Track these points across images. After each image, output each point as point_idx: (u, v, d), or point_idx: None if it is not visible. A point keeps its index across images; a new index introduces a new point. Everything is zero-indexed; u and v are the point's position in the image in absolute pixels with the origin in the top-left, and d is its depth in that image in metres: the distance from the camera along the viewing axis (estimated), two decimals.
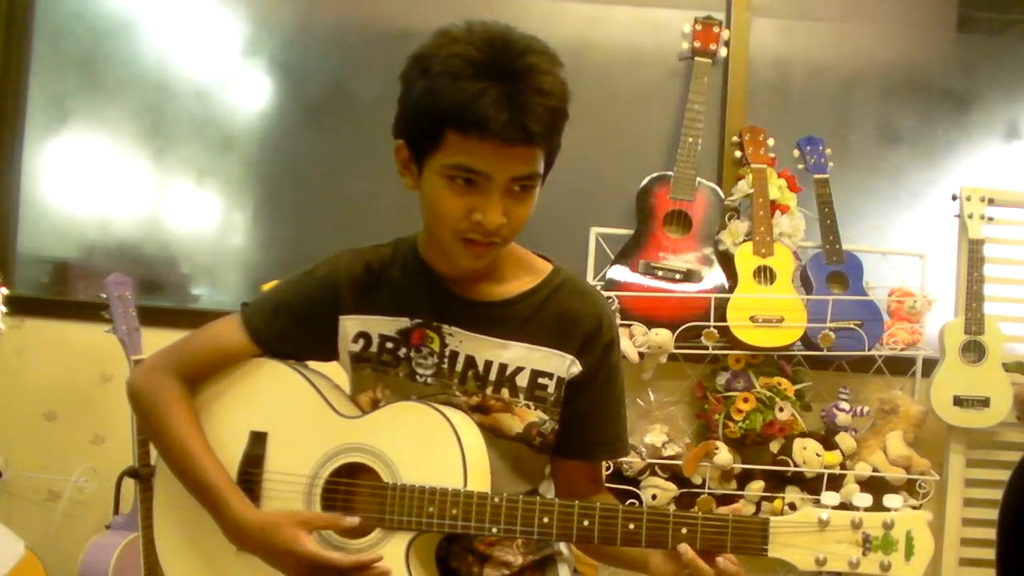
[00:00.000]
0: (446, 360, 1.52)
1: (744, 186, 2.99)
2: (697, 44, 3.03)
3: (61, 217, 3.23)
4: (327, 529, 1.44)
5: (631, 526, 1.33)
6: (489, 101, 1.29)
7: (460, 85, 1.30)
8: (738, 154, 3.06)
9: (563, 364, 1.51)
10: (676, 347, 2.86)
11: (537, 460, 1.56)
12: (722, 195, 3.00)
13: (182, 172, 3.23)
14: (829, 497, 1.28)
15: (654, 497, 2.84)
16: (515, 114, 1.30)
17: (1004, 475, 2.42)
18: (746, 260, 2.90)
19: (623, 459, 2.81)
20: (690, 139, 2.96)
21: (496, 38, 1.34)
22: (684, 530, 1.31)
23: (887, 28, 3.28)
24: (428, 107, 1.33)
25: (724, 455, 2.84)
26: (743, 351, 2.89)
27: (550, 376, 1.51)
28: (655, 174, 2.99)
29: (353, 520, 1.43)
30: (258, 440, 1.53)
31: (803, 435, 2.89)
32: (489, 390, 1.51)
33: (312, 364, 1.63)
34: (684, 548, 1.31)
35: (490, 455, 1.47)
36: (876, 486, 2.83)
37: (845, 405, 2.91)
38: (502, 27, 1.36)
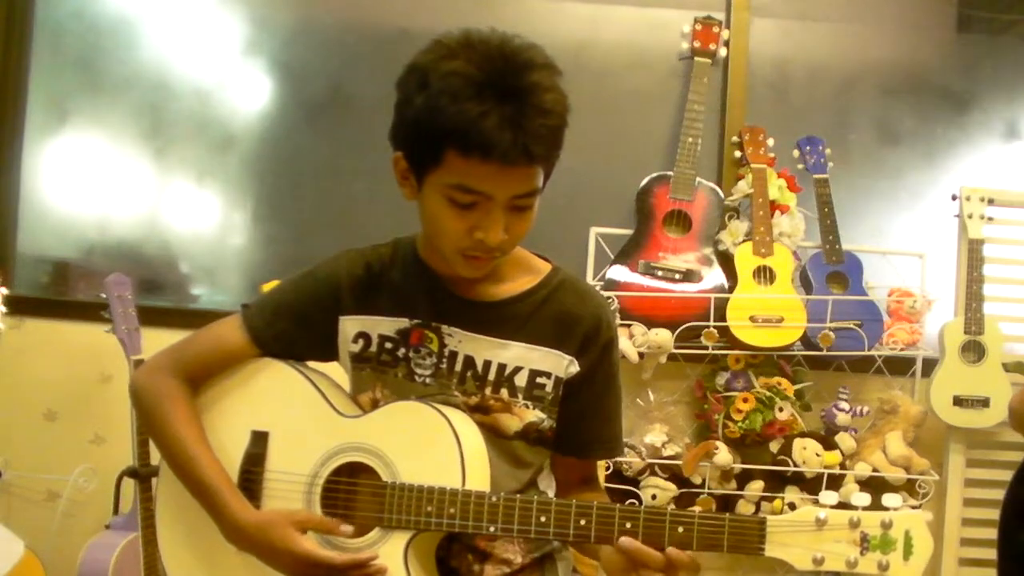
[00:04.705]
0: (445, 360, 1.52)
1: (744, 186, 2.99)
2: (697, 44, 3.03)
3: (61, 217, 3.23)
4: (321, 531, 1.45)
5: (628, 525, 1.33)
6: (492, 124, 1.28)
7: (461, 106, 1.29)
8: (738, 154, 3.06)
9: (561, 364, 1.51)
10: (676, 347, 2.86)
11: (534, 452, 1.55)
12: (722, 195, 3.00)
13: (182, 172, 3.24)
14: (827, 496, 1.28)
15: (654, 497, 2.84)
16: (518, 136, 1.29)
17: (1004, 475, 2.42)
18: (746, 260, 2.90)
19: (623, 459, 2.82)
20: (690, 139, 2.96)
21: (495, 52, 1.33)
22: (680, 529, 1.31)
23: (887, 28, 3.28)
24: (428, 125, 1.32)
25: (724, 455, 2.84)
26: (743, 351, 2.89)
27: (548, 375, 1.51)
28: (655, 174, 3.00)
29: (348, 529, 1.43)
30: (259, 439, 1.53)
31: (803, 435, 2.89)
32: (488, 390, 1.51)
33: (313, 364, 1.63)
34: (626, 540, 1.31)
35: (490, 454, 1.47)
36: (876, 486, 2.83)
37: (845, 405, 2.91)
38: (499, 38, 1.35)
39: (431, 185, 1.38)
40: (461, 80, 1.30)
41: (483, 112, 1.28)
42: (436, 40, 1.37)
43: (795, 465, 2.85)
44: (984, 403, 2.89)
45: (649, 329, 2.85)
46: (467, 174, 1.33)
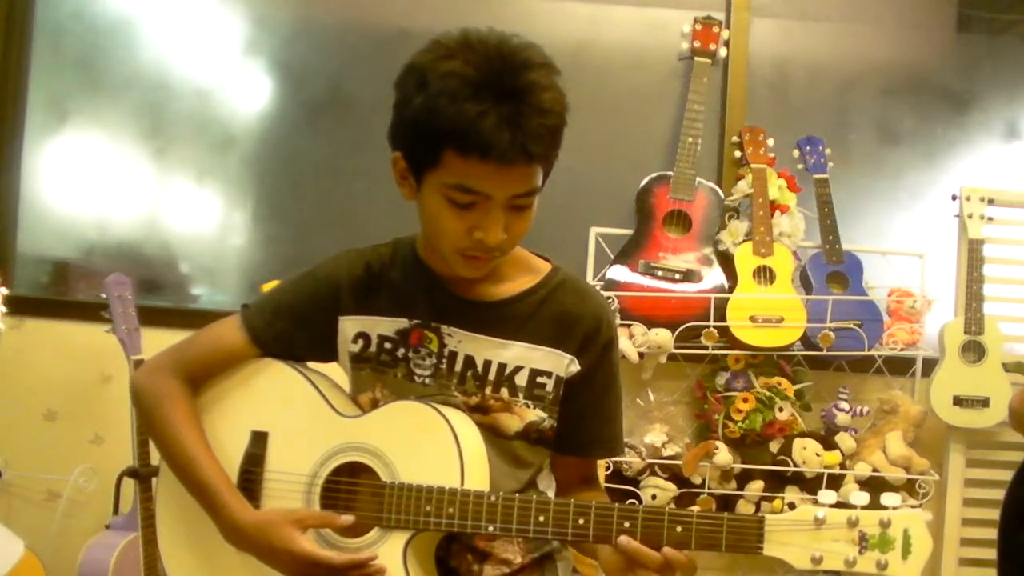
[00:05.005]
0: (444, 360, 1.52)
1: (744, 186, 2.99)
2: (697, 44, 3.03)
3: (61, 217, 3.23)
4: (322, 527, 1.45)
5: (626, 524, 1.33)
6: (490, 124, 1.28)
7: (459, 106, 1.29)
8: (738, 154, 3.06)
9: (561, 363, 1.51)
10: (676, 347, 2.86)
11: (534, 451, 1.55)
12: (722, 195, 3.00)
13: (182, 172, 3.24)
14: (826, 495, 1.28)
15: (654, 497, 2.84)
16: (516, 136, 1.29)
17: (1004, 475, 2.42)
18: (746, 260, 2.90)
19: (623, 459, 2.82)
20: (690, 139, 2.96)
21: (493, 52, 1.33)
22: (679, 528, 1.31)
23: (887, 28, 3.28)
24: (426, 126, 1.33)
25: (724, 455, 2.84)
26: (743, 351, 2.89)
27: (548, 375, 1.51)
28: (655, 174, 3.00)
29: (348, 518, 1.43)
30: (259, 439, 1.53)
31: (803, 435, 2.89)
32: (488, 390, 1.51)
33: (312, 364, 1.63)
34: (624, 540, 1.31)
35: (489, 454, 1.47)
36: (876, 486, 2.83)
37: (845, 405, 2.91)
38: (498, 37, 1.35)
39: (430, 185, 1.38)
40: (459, 80, 1.30)
41: (481, 112, 1.28)
42: (434, 40, 1.37)
43: (795, 465, 2.84)
44: (984, 403, 2.89)
45: (649, 329, 2.85)
46: (466, 174, 1.33)
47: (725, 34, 3.06)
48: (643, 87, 3.20)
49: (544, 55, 1.37)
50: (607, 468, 2.83)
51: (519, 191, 1.36)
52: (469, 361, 1.51)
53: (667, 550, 1.30)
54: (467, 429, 1.46)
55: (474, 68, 1.31)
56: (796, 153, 3.04)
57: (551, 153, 1.38)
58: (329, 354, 1.60)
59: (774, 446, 2.89)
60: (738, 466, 2.88)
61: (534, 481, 1.58)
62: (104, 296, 2.67)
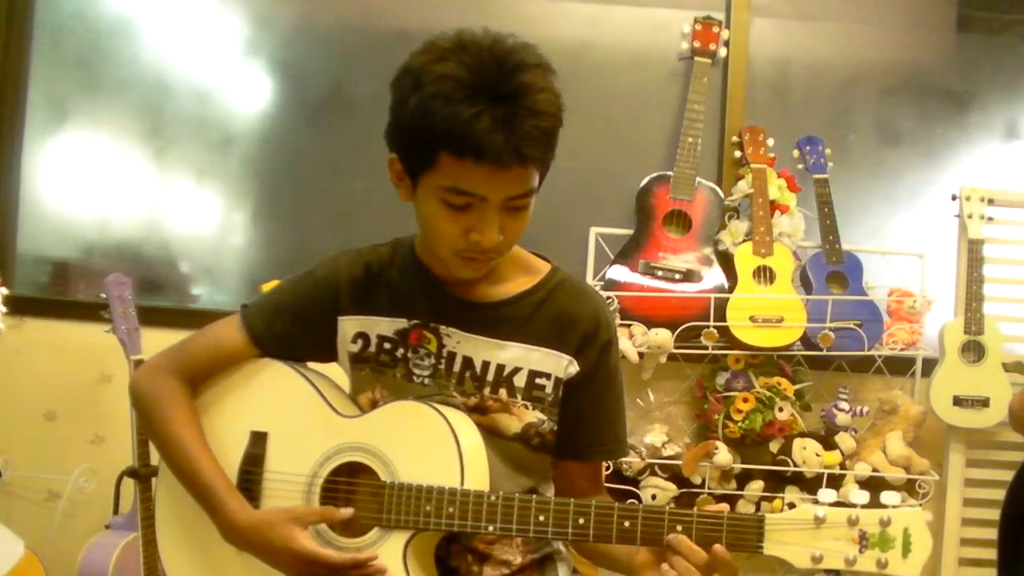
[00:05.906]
0: (443, 361, 1.52)
1: (744, 186, 2.99)
2: (697, 44, 3.03)
3: (61, 217, 3.23)
4: (320, 522, 1.45)
5: (627, 523, 1.34)
6: (484, 127, 1.28)
7: (453, 109, 1.29)
8: (738, 154, 3.06)
9: (560, 364, 1.51)
10: (676, 347, 2.86)
11: (536, 459, 1.56)
12: (722, 195, 3.00)
13: (182, 172, 3.24)
14: (826, 494, 1.28)
15: (654, 497, 2.84)
16: (510, 139, 1.29)
17: (1004, 475, 2.42)
18: (746, 260, 2.90)
19: (623, 459, 2.81)
20: (690, 139, 2.96)
21: (487, 54, 1.32)
22: (679, 527, 1.31)
23: (887, 28, 3.28)
24: (421, 128, 1.33)
25: (724, 455, 2.84)
26: (743, 351, 2.89)
27: (547, 376, 1.51)
28: (655, 174, 3.00)
29: (347, 512, 1.43)
30: (258, 440, 1.53)
31: (803, 435, 2.89)
32: (487, 391, 1.51)
33: (312, 365, 1.63)
34: (678, 538, 1.31)
35: (489, 455, 1.47)
36: (876, 486, 2.83)
37: (845, 405, 2.90)
38: (491, 39, 1.34)
39: (425, 187, 1.38)
40: (453, 83, 1.30)
41: (475, 115, 1.28)
42: (429, 41, 1.37)
43: (795, 465, 2.84)
44: (984, 403, 2.89)
45: (649, 329, 2.85)
46: (461, 176, 1.33)
47: (725, 34, 3.06)
48: (643, 87, 3.20)
49: (539, 56, 1.36)
50: (607, 468, 2.83)
51: (514, 193, 1.36)
52: (468, 362, 1.51)
53: (716, 548, 1.30)
54: (467, 429, 1.46)
55: (468, 71, 1.31)
56: (796, 153, 3.03)
57: (546, 155, 1.37)
58: (328, 354, 1.61)
59: (774, 446, 2.89)
60: (738, 466, 2.88)
61: (535, 491, 1.57)
62: (104, 296, 2.67)
